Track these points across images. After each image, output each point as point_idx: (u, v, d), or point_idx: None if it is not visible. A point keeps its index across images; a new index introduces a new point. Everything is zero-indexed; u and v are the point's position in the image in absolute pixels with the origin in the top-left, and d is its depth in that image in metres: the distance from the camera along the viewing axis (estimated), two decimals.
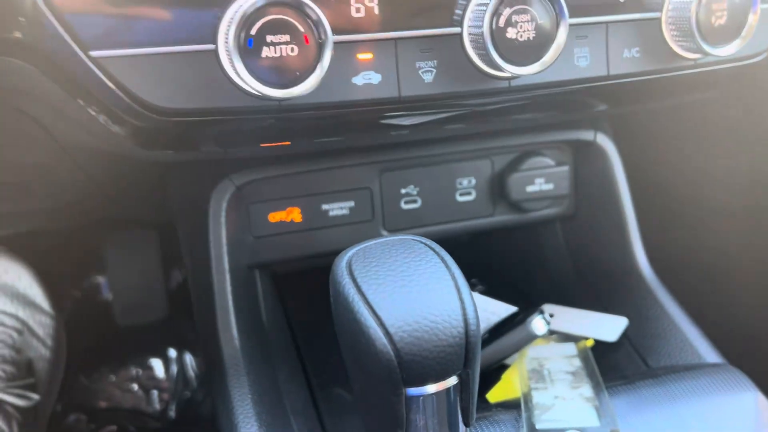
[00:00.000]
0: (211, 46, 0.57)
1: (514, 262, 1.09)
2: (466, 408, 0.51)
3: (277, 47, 0.55)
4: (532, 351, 0.85)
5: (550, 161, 0.93)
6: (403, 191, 0.90)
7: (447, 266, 0.50)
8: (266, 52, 0.55)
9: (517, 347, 0.86)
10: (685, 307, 0.88)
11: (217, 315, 0.81)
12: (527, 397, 0.74)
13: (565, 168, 0.93)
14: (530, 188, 0.92)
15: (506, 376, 0.85)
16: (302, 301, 0.99)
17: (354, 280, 0.49)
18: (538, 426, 0.70)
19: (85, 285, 1.46)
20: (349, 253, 0.52)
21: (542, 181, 0.92)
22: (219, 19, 0.56)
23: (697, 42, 0.67)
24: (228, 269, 0.81)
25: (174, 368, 1.45)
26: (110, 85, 0.56)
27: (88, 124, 0.63)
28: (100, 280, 1.47)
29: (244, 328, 0.81)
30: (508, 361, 0.87)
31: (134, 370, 1.42)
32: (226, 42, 0.55)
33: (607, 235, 0.95)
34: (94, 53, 0.55)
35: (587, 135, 0.92)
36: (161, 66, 0.56)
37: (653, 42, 0.69)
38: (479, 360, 0.50)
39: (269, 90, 0.56)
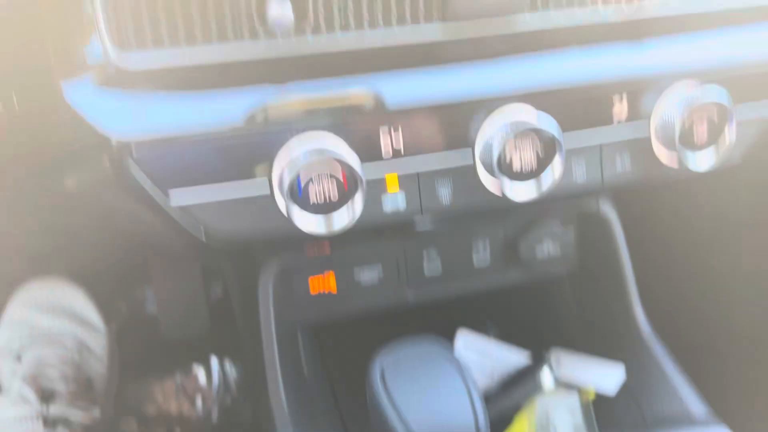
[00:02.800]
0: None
1: (525, 308, 1.21)
2: None
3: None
4: (539, 402, 0.97)
5: (557, 227, 1.03)
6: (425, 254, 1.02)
7: (463, 379, 0.62)
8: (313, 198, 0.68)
9: (526, 398, 0.98)
10: (680, 361, 0.98)
11: (266, 370, 0.94)
12: None
13: (570, 233, 1.04)
14: (539, 252, 1.03)
15: (516, 427, 0.97)
16: (340, 353, 1.12)
17: (386, 390, 0.61)
18: None
19: (132, 299, 1.60)
20: (381, 362, 0.65)
21: (550, 245, 1.03)
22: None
23: (680, 159, 0.77)
24: (275, 331, 0.95)
25: (216, 376, 1.59)
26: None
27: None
28: (147, 293, 1.61)
29: (288, 382, 0.94)
30: None
31: (179, 378, 1.56)
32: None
33: (609, 293, 1.06)
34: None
35: (591, 206, 1.03)
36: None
37: (643, 157, 0.79)
38: None
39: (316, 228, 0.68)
